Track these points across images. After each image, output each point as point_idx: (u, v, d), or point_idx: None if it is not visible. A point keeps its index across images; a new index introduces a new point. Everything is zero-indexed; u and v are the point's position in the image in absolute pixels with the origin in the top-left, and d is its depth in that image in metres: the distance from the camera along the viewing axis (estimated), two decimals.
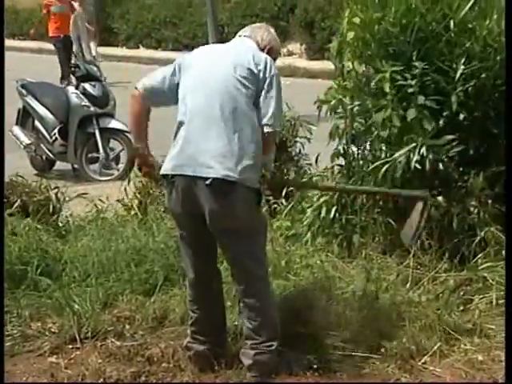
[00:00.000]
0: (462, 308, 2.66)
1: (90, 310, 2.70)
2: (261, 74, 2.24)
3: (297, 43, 12.16)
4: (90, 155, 5.43)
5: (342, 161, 3.18)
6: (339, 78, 3.11)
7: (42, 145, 5.54)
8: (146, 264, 2.97)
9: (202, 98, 2.23)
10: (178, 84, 2.31)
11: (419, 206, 2.65)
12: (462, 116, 2.87)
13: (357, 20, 2.95)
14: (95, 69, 5.64)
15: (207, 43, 7.82)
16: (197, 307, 2.36)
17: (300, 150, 3.69)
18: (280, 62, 2.61)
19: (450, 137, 2.81)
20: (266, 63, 2.26)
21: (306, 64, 10.92)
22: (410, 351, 2.42)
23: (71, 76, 5.74)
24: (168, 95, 2.32)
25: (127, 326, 2.64)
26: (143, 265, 2.97)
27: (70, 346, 2.55)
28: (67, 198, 3.73)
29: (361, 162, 3.10)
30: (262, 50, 2.36)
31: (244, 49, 2.33)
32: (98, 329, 2.60)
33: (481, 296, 2.69)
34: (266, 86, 2.24)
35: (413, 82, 2.80)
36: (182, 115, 2.26)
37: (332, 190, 3.05)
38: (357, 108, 3.00)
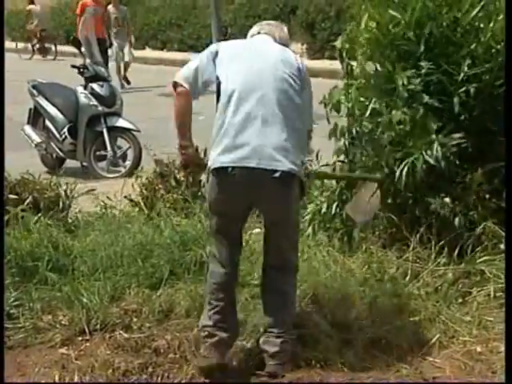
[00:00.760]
0: (460, 300, 2.70)
1: (98, 303, 2.74)
2: (302, 72, 2.34)
3: (298, 43, 12.25)
4: (98, 153, 5.52)
5: (342, 157, 3.21)
6: (346, 76, 3.14)
7: (52, 143, 5.63)
8: (152, 258, 3.02)
9: (256, 93, 2.24)
10: (216, 76, 2.29)
11: (372, 186, 2.79)
12: (462, 115, 2.91)
13: (373, 24, 3.00)
14: (103, 69, 5.73)
15: (211, 44, 7.86)
16: (223, 296, 2.36)
17: None
18: None
19: (457, 135, 2.84)
20: (301, 61, 2.38)
21: (307, 63, 10.94)
22: (410, 343, 2.45)
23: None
24: (206, 87, 2.33)
25: (134, 319, 2.68)
26: (149, 259, 3.02)
27: (80, 338, 2.60)
28: (76, 195, 3.79)
29: (363, 159, 3.13)
30: None
31: (279, 46, 2.41)
32: (107, 321, 2.65)
33: (479, 289, 2.72)
34: (305, 84, 2.35)
35: (417, 81, 2.84)
36: (226, 109, 2.24)
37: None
38: (362, 107, 3.02)
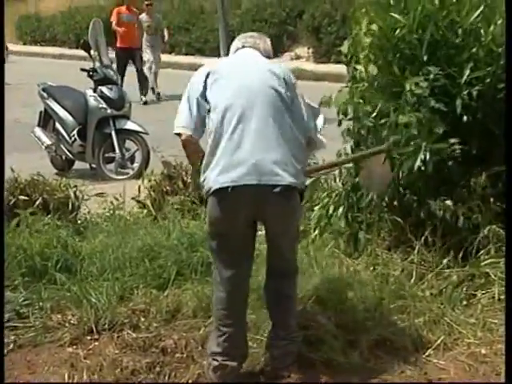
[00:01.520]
0: (465, 303, 2.71)
1: (106, 303, 2.77)
2: (289, 83, 2.34)
3: (304, 47, 12.38)
4: (106, 155, 5.58)
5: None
6: (352, 80, 3.16)
7: (61, 145, 5.70)
8: (160, 259, 3.05)
9: (249, 110, 2.23)
10: (207, 101, 2.28)
11: (379, 157, 2.78)
12: (465, 118, 2.92)
13: (375, 27, 3.01)
14: (112, 72, 5.79)
15: (218, 47, 7.94)
16: (231, 322, 2.30)
17: None
18: (288, 65, 2.70)
19: (453, 140, 2.85)
20: (288, 72, 2.39)
21: (313, 67, 11.11)
22: (415, 344, 2.47)
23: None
24: (205, 119, 2.31)
25: (142, 319, 2.70)
26: (157, 260, 3.05)
27: (89, 337, 2.63)
28: (85, 196, 3.84)
29: None
30: None
31: (265, 60, 2.42)
32: (115, 321, 2.68)
33: (483, 291, 2.73)
34: (295, 93, 2.34)
35: (424, 85, 2.85)
36: (219, 127, 2.23)
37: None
38: (366, 110, 3.04)
